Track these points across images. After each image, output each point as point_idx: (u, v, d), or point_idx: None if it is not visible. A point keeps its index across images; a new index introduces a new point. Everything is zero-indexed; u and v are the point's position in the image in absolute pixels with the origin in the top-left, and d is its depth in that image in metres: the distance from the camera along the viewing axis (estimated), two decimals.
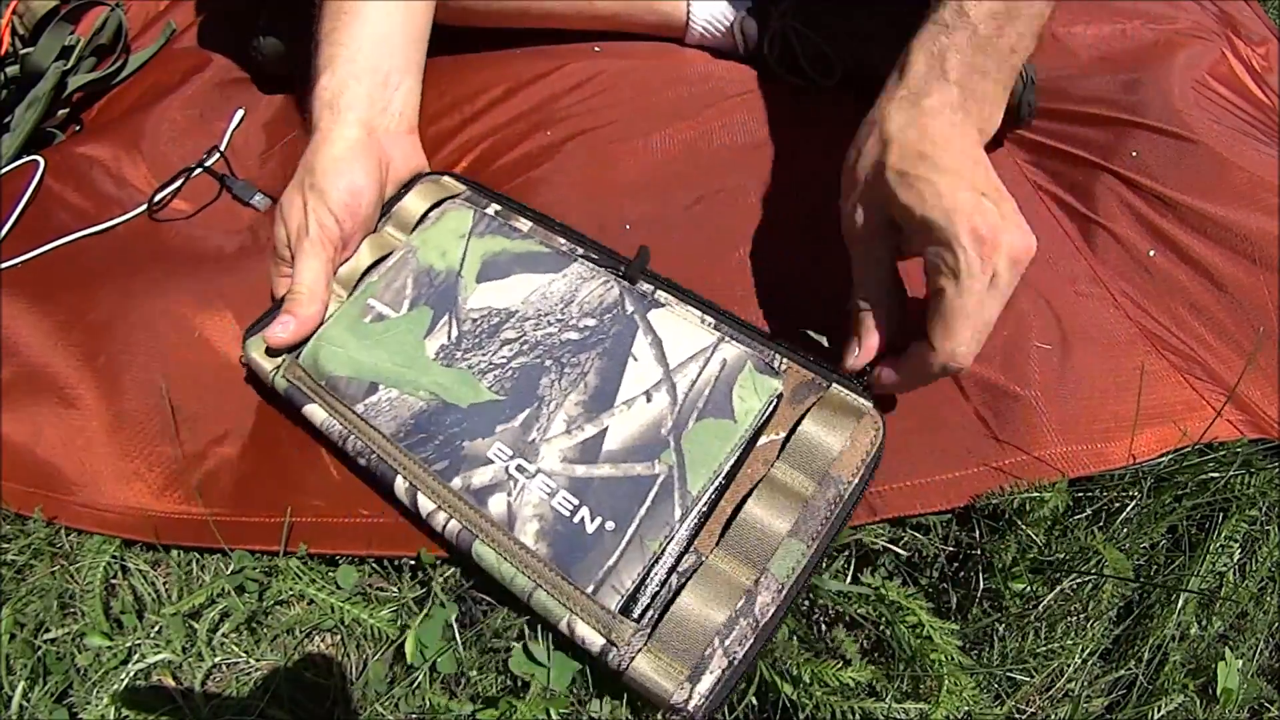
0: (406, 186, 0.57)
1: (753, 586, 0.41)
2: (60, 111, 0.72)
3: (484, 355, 0.48)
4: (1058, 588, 0.48)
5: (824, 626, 0.47)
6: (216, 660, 0.46)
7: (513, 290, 0.50)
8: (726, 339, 0.47)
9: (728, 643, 0.39)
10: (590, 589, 0.41)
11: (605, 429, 0.44)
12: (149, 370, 0.54)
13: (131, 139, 0.68)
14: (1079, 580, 0.49)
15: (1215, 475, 0.52)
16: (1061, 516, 0.49)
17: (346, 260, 0.54)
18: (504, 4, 0.67)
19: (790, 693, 0.44)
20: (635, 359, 0.47)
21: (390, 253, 0.54)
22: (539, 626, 0.45)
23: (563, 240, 0.53)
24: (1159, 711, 0.47)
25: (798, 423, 0.44)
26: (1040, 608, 0.47)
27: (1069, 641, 0.47)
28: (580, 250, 0.52)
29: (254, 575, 0.48)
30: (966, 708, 0.44)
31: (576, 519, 0.42)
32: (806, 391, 0.46)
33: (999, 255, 0.39)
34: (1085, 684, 0.48)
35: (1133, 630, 0.49)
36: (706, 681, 0.39)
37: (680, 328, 0.48)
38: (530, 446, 0.45)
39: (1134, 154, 0.63)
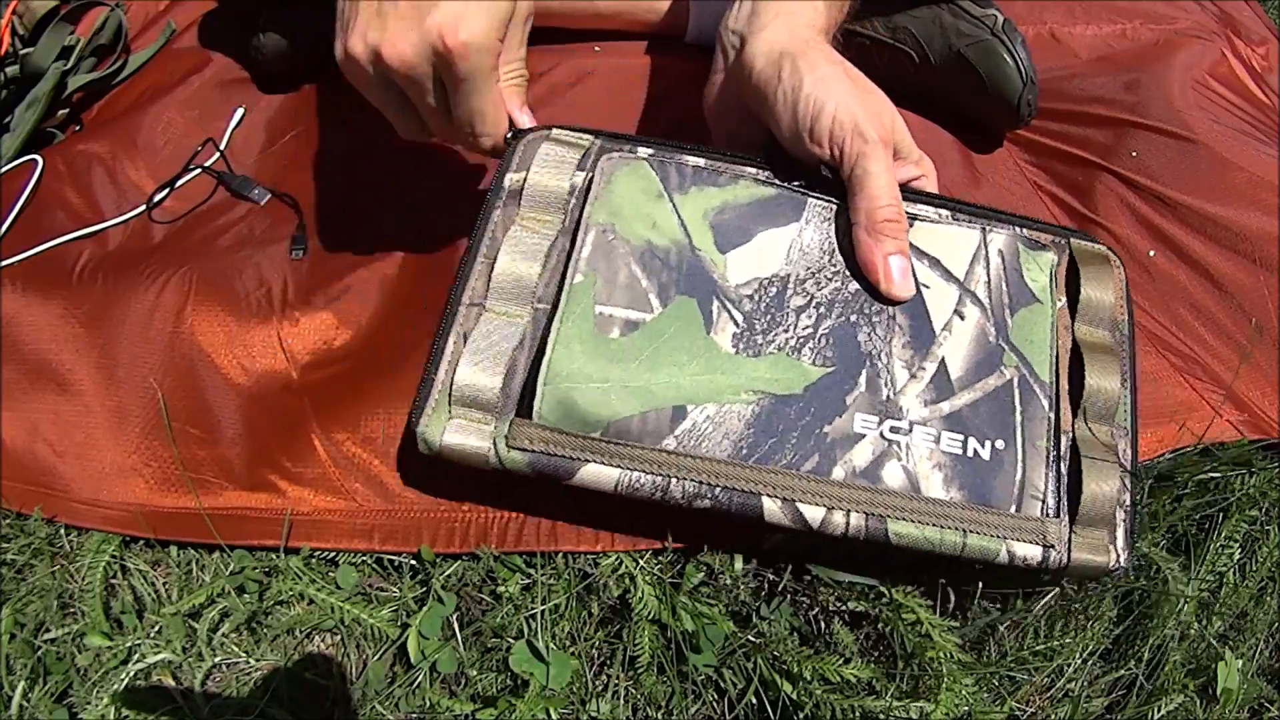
0: (508, 157, 0.47)
1: (1112, 440, 0.44)
2: (60, 111, 0.72)
3: (786, 332, 0.43)
4: (1057, 588, 0.48)
5: (823, 623, 0.47)
6: (216, 660, 0.46)
7: (767, 253, 0.45)
8: (988, 228, 0.47)
9: (1122, 495, 0.43)
10: (1013, 508, 0.42)
11: (942, 359, 0.44)
12: (144, 366, 0.54)
13: (130, 138, 0.68)
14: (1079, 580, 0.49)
15: (1215, 475, 0.52)
16: None
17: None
18: None
19: (790, 691, 0.44)
20: (927, 286, 0.45)
21: (553, 243, 0.44)
22: (539, 624, 0.45)
23: (757, 170, 0.47)
24: (1159, 711, 0.47)
25: (1068, 281, 0.48)
26: (1040, 607, 0.47)
27: (1069, 641, 0.47)
28: (789, 181, 0.47)
29: (254, 575, 0.48)
30: (966, 706, 0.44)
31: (970, 452, 0.42)
32: (1058, 251, 0.48)
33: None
34: (1085, 684, 0.48)
35: (1133, 630, 0.49)
36: (1120, 536, 0.43)
37: (944, 236, 0.46)
38: (890, 404, 0.43)
39: (1134, 154, 0.63)
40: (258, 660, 0.46)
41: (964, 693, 0.44)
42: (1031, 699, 0.47)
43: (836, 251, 0.46)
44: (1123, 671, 0.48)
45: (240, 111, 0.69)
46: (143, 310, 0.56)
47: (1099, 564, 0.42)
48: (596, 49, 0.71)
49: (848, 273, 0.45)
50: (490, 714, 0.44)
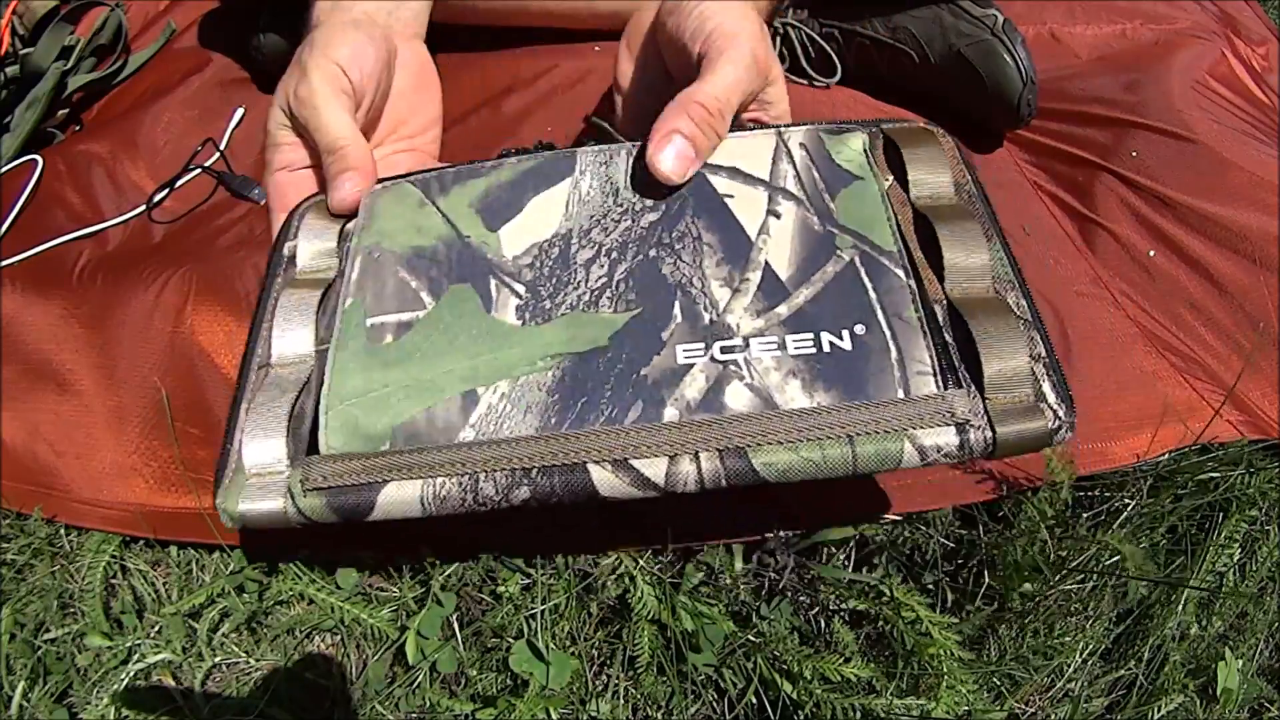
0: (285, 228, 0.43)
1: (998, 295, 0.37)
2: (60, 111, 0.72)
3: (577, 290, 0.38)
4: (1058, 586, 0.48)
5: (823, 622, 0.47)
6: (216, 660, 0.46)
7: (542, 215, 0.40)
8: (783, 130, 0.42)
9: (1033, 348, 0.35)
10: (901, 393, 0.34)
11: (766, 264, 0.38)
12: (144, 365, 0.54)
13: (130, 138, 0.68)
14: (1080, 580, 0.49)
15: (1215, 475, 0.52)
16: (1063, 515, 0.49)
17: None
18: (503, 3, 0.67)
19: (790, 690, 0.44)
20: (730, 196, 0.40)
21: (330, 286, 0.41)
22: (539, 624, 0.45)
23: (520, 157, 0.43)
24: (1159, 711, 0.47)
25: (893, 167, 0.41)
26: (1041, 607, 0.47)
27: (1069, 640, 0.47)
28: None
29: (254, 575, 0.48)
30: (966, 705, 0.44)
31: (825, 347, 0.36)
32: (869, 135, 0.43)
33: None
34: (1085, 684, 0.48)
35: (1133, 630, 0.49)
36: (1049, 390, 0.34)
37: (737, 146, 0.41)
38: (716, 326, 0.37)
39: (1134, 154, 0.63)
40: (258, 660, 0.46)
41: (964, 691, 0.44)
42: (1032, 698, 0.47)
43: (622, 189, 0.41)
44: (1123, 671, 0.48)
45: (240, 111, 0.70)
46: (143, 310, 0.56)
47: (1036, 431, 0.33)
48: (596, 49, 0.71)
49: (638, 207, 0.40)
50: (490, 714, 0.44)
